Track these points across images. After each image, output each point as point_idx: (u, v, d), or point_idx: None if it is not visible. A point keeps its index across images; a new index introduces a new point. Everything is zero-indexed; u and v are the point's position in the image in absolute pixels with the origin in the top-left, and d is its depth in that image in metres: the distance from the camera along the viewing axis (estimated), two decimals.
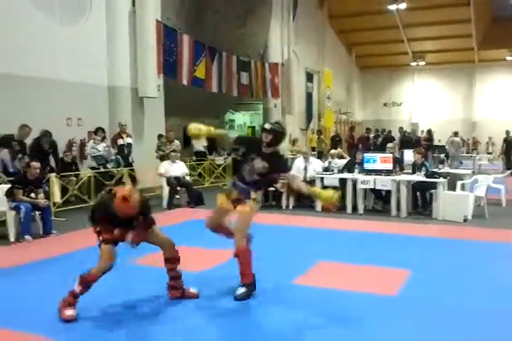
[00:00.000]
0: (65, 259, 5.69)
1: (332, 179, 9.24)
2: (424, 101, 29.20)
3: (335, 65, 24.83)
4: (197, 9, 14.99)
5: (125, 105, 11.43)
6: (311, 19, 22.53)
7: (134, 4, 11.40)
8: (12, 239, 6.75)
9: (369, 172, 8.98)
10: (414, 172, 9.05)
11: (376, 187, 8.81)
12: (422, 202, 9.06)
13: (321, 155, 16.24)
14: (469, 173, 9.96)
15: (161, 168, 9.97)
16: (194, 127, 4.19)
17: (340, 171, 9.57)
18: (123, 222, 3.83)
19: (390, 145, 11.64)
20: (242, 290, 4.26)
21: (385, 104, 30.48)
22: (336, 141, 18.94)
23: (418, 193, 9.07)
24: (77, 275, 3.85)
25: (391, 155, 9.45)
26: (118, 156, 10.34)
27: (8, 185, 7.12)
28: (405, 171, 9.43)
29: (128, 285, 4.60)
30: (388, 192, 8.82)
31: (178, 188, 9.82)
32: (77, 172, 9.92)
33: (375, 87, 30.12)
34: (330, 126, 23.20)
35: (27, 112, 9.06)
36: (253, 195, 4.26)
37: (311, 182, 9.35)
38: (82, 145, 10.62)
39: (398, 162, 9.48)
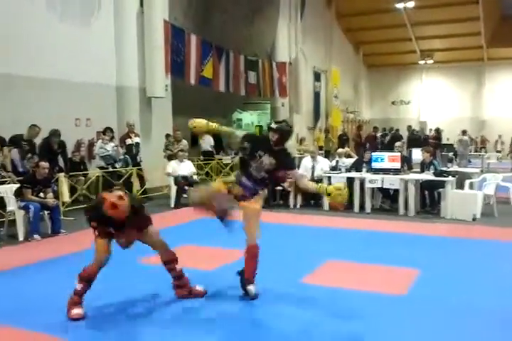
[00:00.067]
0: (73, 258, 5.71)
1: (339, 178, 9.22)
2: (432, 99, 29.07)
3: (342, 64, 24.77)
4: (204, 9, 15.01)
5: (133, 105, 11.48)
6: (318, 18, 22.50)
7: (141, 4, 11.44)
8: (21, 239, 6.80)
9: (377, 171, 8.95)
10: (422, 171, 9.01)
11: (384, 186, 8.78)
12: (430, 200, 9.02)
13: (328, 154, 16.20)
14: (478, 172, 9.91)
15: (168, 167, 10.00)
16: (197, 120, 4.22)
17: (348, 170, 9.55)
18: (116, 223, 3.85)
19: (398, 144, 11.59)
20: (251, 288, 4.26)
21: (393, 103, 30.37)
22: (343, 140, 18.90)
23: (426, 192, 9.03)
24: (77, 274, 3.89)
25: (399, 154, 9.42)
26: (126, 156, 10.38)
27: (17, 185, 7.18)
28: (414, 170, 9.40)
29: (136, 284, 4.62)
30: (396, 191, 8.80)
31: (186, 187, 9.83)
32: (85, 172, 9.98)
33: (383, 86, 30.02)
34: (337, 124, 23.16)
35: (36, 112, 9.12)
36: (260, 191, 4.27)
37: (319, 181, 9.34)
38: (91, 145, 10.68)
39: (406, 161, 9.45)
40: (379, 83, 30.02)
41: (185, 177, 9.85)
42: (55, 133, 8.80)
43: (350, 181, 9.15)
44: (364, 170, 9.14)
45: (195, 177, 10.33)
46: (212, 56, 14.33)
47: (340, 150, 11.35)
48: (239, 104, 19.23)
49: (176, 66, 12.66)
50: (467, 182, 8.91)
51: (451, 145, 16.90)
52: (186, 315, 3.97)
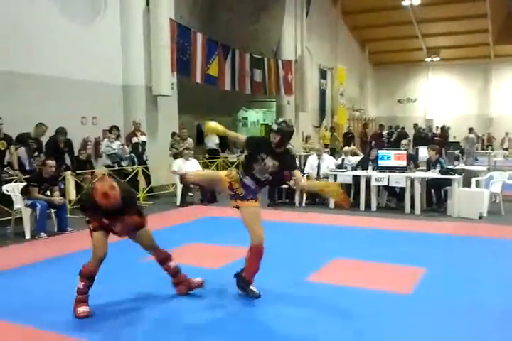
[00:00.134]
0: (80, 256, 5.68)
1: (345, 176, 9.22)
2: (438, 97, 28.96)
3: (348, 62, 24.72)
4: (210, 7, 15.00)
5: (139, 103, 11.52)
6: (324, 15, 22.46)
7: (148, 3, 11.48)
8: (28, 237, 6.84)
9: (383, 169, 8.94)
10: (428, 169, 8.98)
11: (390, 185, 8.76)
12: (436, 199, 8.99)
13: (333, 152, 16.19)
14: (484, 170, 9.87)
15: (174, 165, 10.02)
16: (213, 123, 4.30)
17: (354, 168, 9.54)
18: (109, 212, 3.85)
19: (404, 142, 11.57)
20: (253, 288, 4.28)
21: (399, 101, 30.29)
22: (348, 138, 18.86)
23: (432, 190, 9.00)
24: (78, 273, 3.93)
25: (405, 152, 9.40)
26: (132, 154, 10.42)
27: (24, 183, 7.22)
28: (420, 168, 9.38)
29: (138, 284, 4.63)
30: (402, 189, 8.78)
31: (192, 186, 9.85)
32: (92, 170, 10.01)
33: (389, 84, 29.93)
34: (343, 122, 23.12)
35: (43, 111, 9.17)
36: (259, 192, 4.32)
37: (325, 179, 9.36)
38: (97, 143, 10.72)
39: (412, 159, 9.42)
40: (385, 81, 29.94)
41: None
42: (61, 131, 8.83)
43: (356, 179, 9.14)
44: (370, 168, 9.12)
45: None
46: (218, 54, 14.33)
47: (346, 148, 11.33)
48: (244, 102, 19.26)
49: (182, 64, 12.67)
50: (474, 180, 8.87)
51: (458, 143, 16.82)
52: (189, 313, 3.98)
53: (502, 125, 25.72)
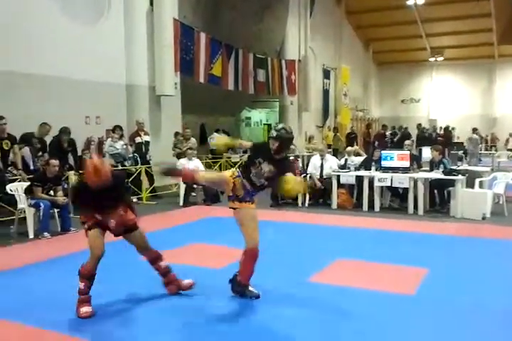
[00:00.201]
0: (83, 256, 5.71)
1: (348, 176, 9.21)
2: (442, 97, 28.89)
3: (352, 62, 24.69)
4: (213, 6, 15.01)
5: (143, 103, 11.54)
6: (328, 15, 22.43)
7: (151, 3, 11.50)
8: (31, 236, 6.86)
9: (386, 169, 8.92)
10: (431, 169, 8.96)
11: (393, 185, 8.74)
12: (439, 199, 8.97)
13: (336, 153, 16.17)
14: (488, 170, 9.83)
15: (177, 165, 10.02)
16: (220, 141, 4.40)
17: (357, 169, 9.53)
18: (101, 195, 3.84)
19: (407, 142, 11.54)
20: (251, 289, 4.28)
21: (402, 101, 30.22)
22: (351, 138, 18.83)
23: (436, 191, 8.98)
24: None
25: (408, 152, 9.38)
26: (136, 154, 10.43)
27: (28, 183, 7.24)
28: (423, 168, 9.36)
29: (138, 284, 4.63)
30: (405, 189, 8.76)
31: (195, 186, 9.87)
32: None
33: (393, 84, 29.88)
34: (346, 123, 23.10)
35: (46, 111, 9.19)
36: (255, 195, 4.30)
37: (328, 179, 9.36)
38: (100, 143, 10.73)
39: (416, 159, 9.40)
40: (389, 81, 29.88)
41: None
42: (65, 131, 8.85)
43: (359, 179, 9.14)
44: (373, 168, 9.11)
45: None
46: (222, 54, 14.34)
47: (349, 148, 11.32)
48: (248, 102, 19.25)
49: (185, 64, 12.68)
50: (477, 180, 8.85)
51: (461, 143, 16.77)
52: (189, 315, 3.97)
53: (506, 125, 25.62)
